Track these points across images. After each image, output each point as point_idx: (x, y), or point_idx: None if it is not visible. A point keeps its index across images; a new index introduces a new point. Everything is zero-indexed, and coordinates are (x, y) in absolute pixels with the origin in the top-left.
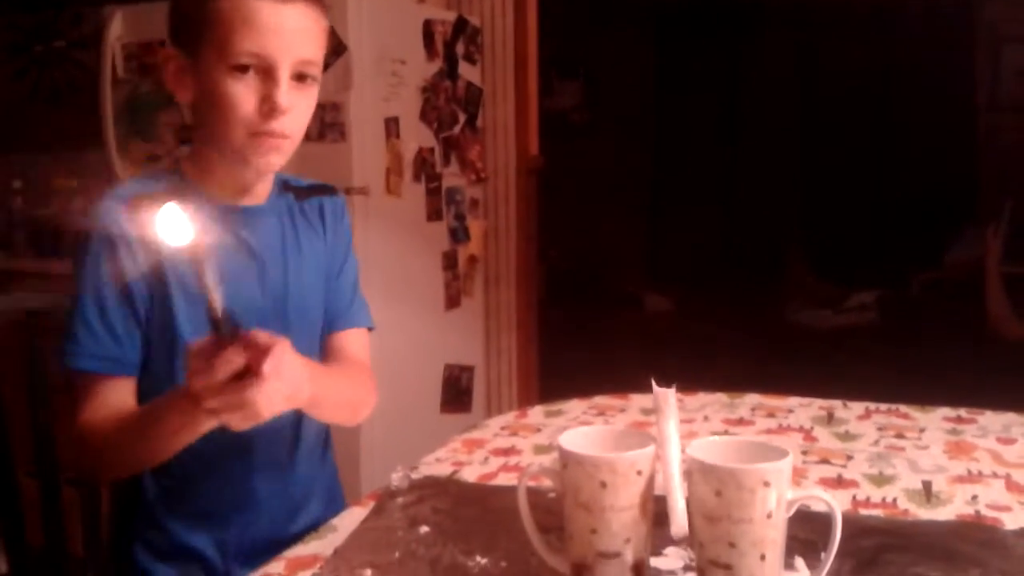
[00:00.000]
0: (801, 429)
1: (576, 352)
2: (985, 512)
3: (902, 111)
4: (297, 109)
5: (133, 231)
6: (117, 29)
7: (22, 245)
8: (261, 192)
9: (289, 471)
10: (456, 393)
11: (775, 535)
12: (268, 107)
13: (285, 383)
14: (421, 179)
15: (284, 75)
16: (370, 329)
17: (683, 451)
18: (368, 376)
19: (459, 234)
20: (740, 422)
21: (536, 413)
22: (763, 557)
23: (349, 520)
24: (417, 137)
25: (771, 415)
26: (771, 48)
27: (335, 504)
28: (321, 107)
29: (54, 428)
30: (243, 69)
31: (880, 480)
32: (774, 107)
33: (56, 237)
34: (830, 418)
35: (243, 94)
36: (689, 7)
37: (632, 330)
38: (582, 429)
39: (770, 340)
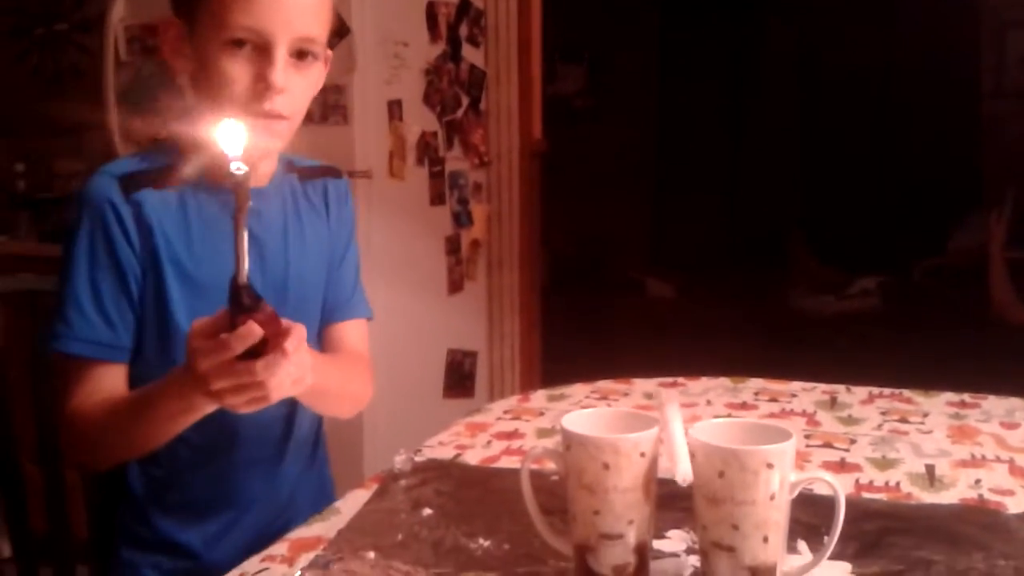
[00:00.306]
0: (804, 413)
1: (579, 337)
2: (988, 496)
3: (906, 97)
4: (296, 88)
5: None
6: (120, 11)
7: (25, 228)
8: (263, 172)
9: (278, 467)
10: (459, 378)
11: (778, 517)
12: (263, 86)
13: (296, 367)
14: (424, 163)
15: (281, 52)
16: (369, 319)
17: (686, 433)
18: (366, 369)
19: (462, 218)
20: (743, 406)
21: (539, 397)
22: (766, 539)
23: (352, 502)
24: (420, 120)
25: (774, 399)
26: (775, 34)
27: (325, 502)
28: (324, 89)
29: (57, 412)
30: (239, 44)
31: (883, 464)
32: (778, 92)
33: (59, 220)
34: (833, 402)
35: (237, 71)
36: None
37: (635, 315)
38: (585, 411)
39: (773, 326)
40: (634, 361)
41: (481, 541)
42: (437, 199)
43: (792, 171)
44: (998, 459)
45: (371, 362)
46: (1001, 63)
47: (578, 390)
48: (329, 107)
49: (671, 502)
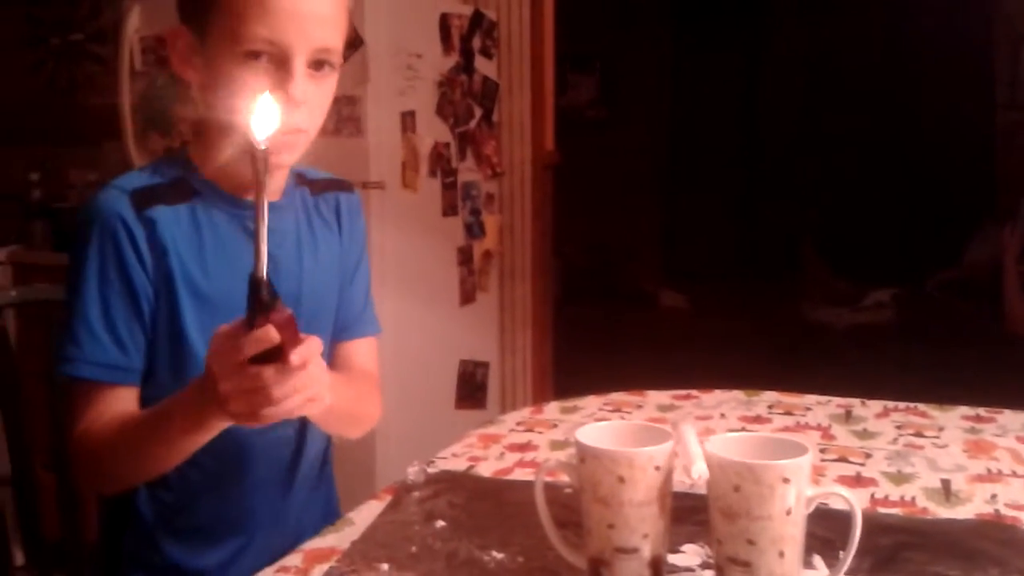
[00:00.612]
0: (819, 427)
1: (591, 348)
2: (1004, 511)
3: (920, 107)
4: (313, 101)
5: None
6: (135, 22)
7: (40, 238)
8: (276, 185)
9: (289, 489)
10: (471, 389)
11: (794, 532)
12: (282, 100)
13: (310, 384)
14: (437, 174)
15: (300, 64)
16: (377, 335)
17: (701, 446)
18: (376, 388)
19: (474, 229)
20: (757, 419)
21: (552, 409)
22: (782, 554)
23: (366, 513)
24: (433, 131)
25: (788, 413)
26: (789, 43)
27: (331, 521)
28: (337, 101)
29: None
30: (255, 56)
31: (899, 478)
32: (791, 103)
33: (73, 230)
34: (848, 416)
35: (254, 84)
36: (706, 3)
37: (647, 327)
38: (599, 424)
39: (786, 337)
40: (646, 372)
41: (495, 554)
42: (449, 210)
43: (805, 182)
44: (1014, 474)
45: (380, 381)
46: (1016, 75)
47: (591, 402)
48: (343, 119)
49: (686, 516)
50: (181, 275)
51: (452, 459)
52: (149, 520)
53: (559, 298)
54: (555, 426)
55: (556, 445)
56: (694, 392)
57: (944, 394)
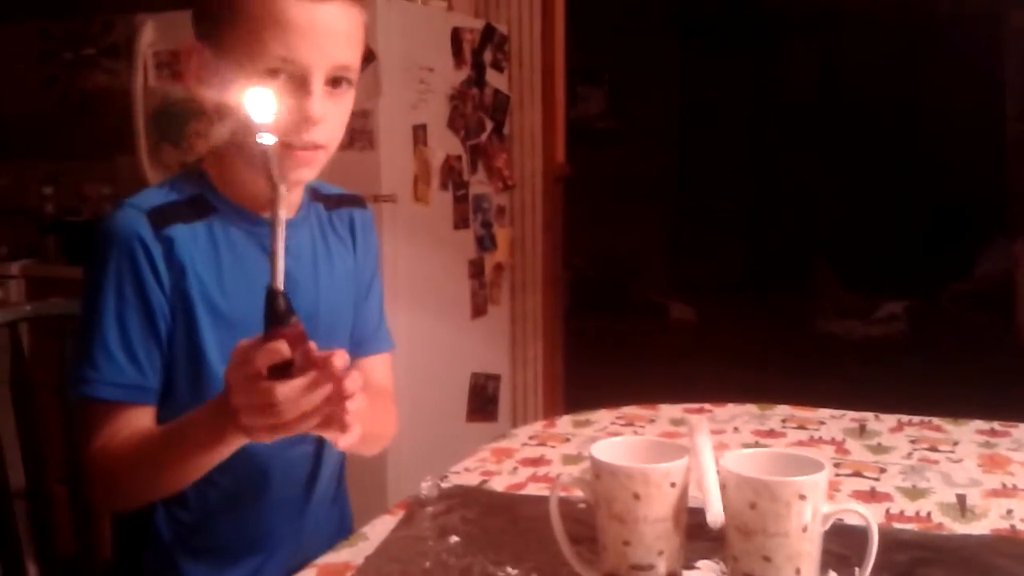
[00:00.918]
0: (833, 441)
1: (602, 360)
2: (1020, 527)
3: (930, 120)
4: (332, 117)
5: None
6: (149, 36)
7: (53, 251)
8: (291, 202)
9: (306, 507)
10: (482, 402)
11: (810, 549)
12: (300, 117)
13: (319, 402)
14: (448, 187)
15: (318, 82)
16: (391, 350)
17: (717, 463)
18: (392, 406)
19: (486, 242)
20: (771, 434)
21: (564, 423)
22: (798, 571)
23: (380, 528)
24: (445, 145)
25: (802, 427)
26: (797, 56)
27: (345, 536)
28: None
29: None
30: (273, 74)
31: (914, 493)
32: (800, 115)
33: (87, 244)
34: (862, 430)
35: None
36: (714, 14)
37: (657, 339)
38: (614, 439)
39: (797, 350)
40: (657, 385)
41: (509, 570)
42: (461, 223)
43: (816, 194)
44: None
45: (394, 397)
46: None
47: (603, 416)
48: (355, 132)
49: (701, 532)
50: (199, 294)
51: (465, 474)
52: (167, 539)
53: (569, 309)
54: (568, 440)
55: (569, 459)
56: (707, 406)
57: (957, 406)
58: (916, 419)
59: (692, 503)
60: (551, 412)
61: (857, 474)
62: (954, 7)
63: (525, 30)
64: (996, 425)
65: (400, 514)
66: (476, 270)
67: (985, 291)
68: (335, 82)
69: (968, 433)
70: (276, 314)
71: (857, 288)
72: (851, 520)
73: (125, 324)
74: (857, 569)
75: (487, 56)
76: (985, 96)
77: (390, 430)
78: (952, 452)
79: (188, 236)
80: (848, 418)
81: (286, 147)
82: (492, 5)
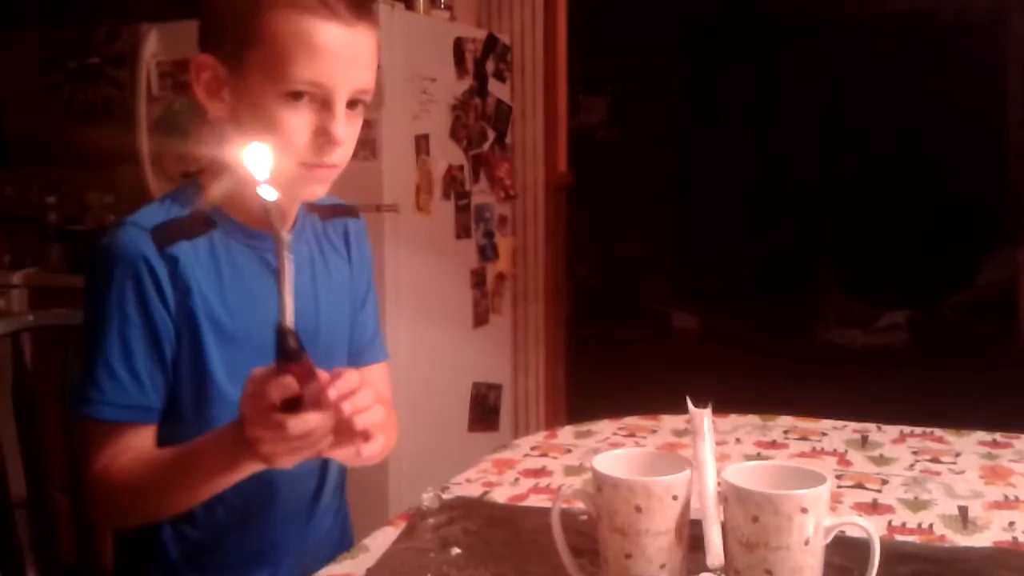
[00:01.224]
0: (835, 452)
1: (603, 369)
2: (1022, 539)
3: (932, 128)
4: (349, 137)
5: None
6: (152, 46)
7: (56, 261)
8: (288, 215)
9: (311, 520)
10: (484, 411)
11: (812, 562)
12: (324, 139)
13: (325, 432)
14: (450, 196)
15: (341, 105)
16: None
17: (718, 475)
18: (393, 415)
19: (488, 252)
20: (773, 445)
21: (566, 433)
22: None
23: (381, 540)
24: (447, 154)
25: (804, 438)
26: (799, 65)
27: (346, 547)
28: None
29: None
30: (296, 96)
31: (916, 505)
32: (802, 124)
33: (90, 253)
34: (864, 441)
35: (297, 124)
36: (716, 23)
37: (659, 348)
38: (616, 452)
39: (799, 358)
40: (659, 393)
41: None
42: (463, 232)
43: (818, 202)
44: None
45: (394, 406)
46: None
47: (605, 426)
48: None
49: (703, 545)
50: (204, 312)
51: (466, 484)
52: (174, 556)
53: (571, 318)
54: (569, 451)
55: (571, 470)
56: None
57: (959, 416)
58: (918, 430)
59: (694, 515)
60: (553, 421)
61: (859, 486)
62: (956, 14)
63: (528, 40)
64: (998, 436)
65: (402, 525)
66: (478, 279)
67: (987, 300)
68: (353, 104)
69: (970, 444)
70: (286, 352)
71: (859, 296)
72: (853, 533)
73: (129, 344)
74: None
75: (489, 66)
76: (987, 103)
77: (392, 441)
78: (954, 464)
79: (191, 254)
80: (850, 429)
81: (306, 167)
82: (495, 15)
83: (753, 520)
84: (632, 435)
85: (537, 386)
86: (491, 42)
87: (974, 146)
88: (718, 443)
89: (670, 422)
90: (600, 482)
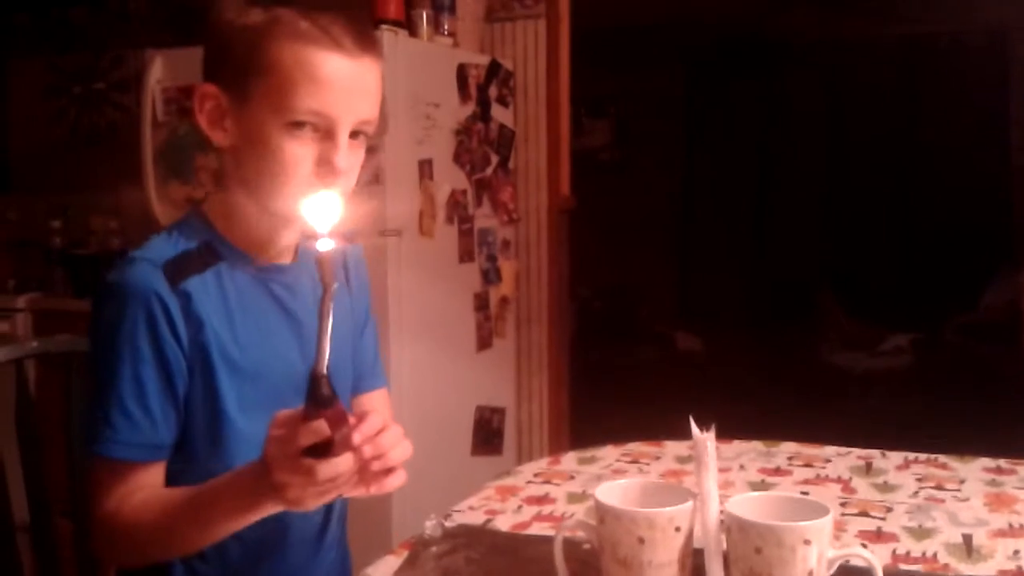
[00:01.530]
0: (839, 480)
1: (607, 391)
2: None
3: (935, 150)
4: (351, 167)
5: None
6: (157, 72)
7: (60, 284)
8: (289, 245)
9: (319, 551)
10: (487, 435)
11: None
12: (326, 170)
13: (349, 473)
14: (454, 221)
15: (344, 136)
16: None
17: (722, 505)
18: None
19: (491, 275)
20: (777, 472)
21: (569, 460)
22: None
23: (384, 569)
24: (450, 179)
25: (808, 465)
26: (801, 88)
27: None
28: None
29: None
30: (298, 126)
31: (920, 534)
32: (805, 146)
33: (94, 277)
34: (868, 468)
35: (299, 154)
36: (719, 47)
37: (663, 370)
38: (619, 482)
39: (803, 381)
40: (663, 415)
41: None
42: (466, 256)
43: (821, 224)
44: None
45: None
46: None
47: (609, 453)
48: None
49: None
50: (216, 346)
51: (469, 512)
52: None
53: (574, 340)
54: (572, 477)
55: (574, 498)
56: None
57: (963, 441)
58: (923, 457)
59: (698, 544)
60: (556, 445)
61: (863, 514)
62: (958, 37)
63: (530, 65)
64: (1003, 463)
65: (404, 554)
66: (481, 303)
67: (991, 322)
68: (355, 134)
69: (975, 471)
70: (319, 398)
71: (863, 320)
72: (857, 561)
73: (142, 382)
74: None
75: (492, 91)
76: (990, 126)
77: None
78: (959, 491)
79: (202, 289)
80: (854, 455)
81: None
82: (497, 41)
83: (756, 551)
84: (636, 461)
85: (541, 409)
86: (494, 67)
87: (977, 168)
88: (722, 470)
89: (673, 448)
90: (603, 513)
